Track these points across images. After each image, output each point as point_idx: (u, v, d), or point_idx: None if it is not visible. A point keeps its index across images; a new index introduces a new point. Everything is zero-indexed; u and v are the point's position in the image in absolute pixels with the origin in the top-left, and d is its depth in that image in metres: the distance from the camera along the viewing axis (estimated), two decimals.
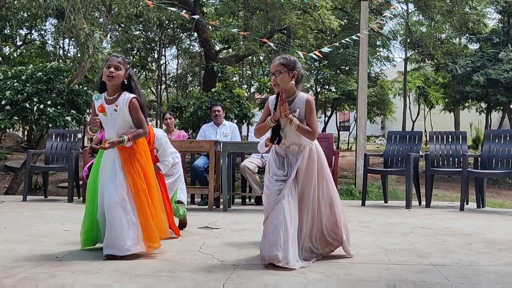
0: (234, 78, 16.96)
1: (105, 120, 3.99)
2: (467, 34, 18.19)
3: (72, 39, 14.82)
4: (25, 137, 19.37)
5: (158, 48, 21.03)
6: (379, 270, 3.45)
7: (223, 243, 4.42)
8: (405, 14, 18.88)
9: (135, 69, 20.37)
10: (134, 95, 3.97)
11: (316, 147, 3.83)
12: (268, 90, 19.55)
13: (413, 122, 24.96)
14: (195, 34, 18.09)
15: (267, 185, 3.76)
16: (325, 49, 9.90)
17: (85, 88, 10.88)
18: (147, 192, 3.93)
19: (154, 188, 4.05)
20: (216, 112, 8.17)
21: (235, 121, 12.03)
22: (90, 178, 4.10)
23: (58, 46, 19.12)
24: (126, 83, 3.99)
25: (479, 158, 7.66)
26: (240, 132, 11.50)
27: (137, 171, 3.91)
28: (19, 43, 18.93)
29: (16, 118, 10.12)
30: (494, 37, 17.47)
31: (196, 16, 9.68)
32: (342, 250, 4.00)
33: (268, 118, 3.76)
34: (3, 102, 10.07)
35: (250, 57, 17.58)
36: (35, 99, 10.00)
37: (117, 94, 3.97)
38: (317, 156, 3.80)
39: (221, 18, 15.82)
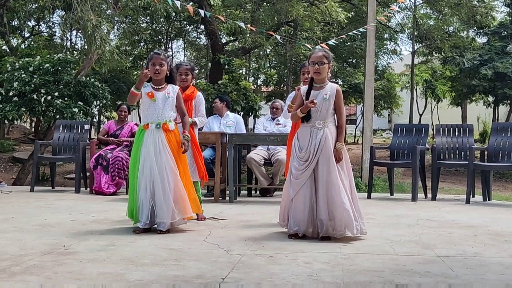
0: (241, 71, 16.93)
1: (151, 104, 4.55)
2: (475, 27, 18.12)
3: (80, 31, 14.86)
4: (33, 129, 19.48)
5: (165, 40, 21.03)
6: (384, 260, 3.46)
7: (228, 234, 4.44)
8: (413, 6, 18.81)
9: (141, 62, 20.38)
10: (179, 87, 4.76)
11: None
12: (275, 82, 19.54)
13: (420, 115, 24.89)
14: (202, 27, 18.08)
15: (295, 167, 4.31)
16: (332, 42, 9.88)
17: (92, 79, 10.91)
18: (184, 170, 4.62)
19: (188, 168, 4.75)
20: (213, 104, 8.29)
21: (242, 113, 12.04)
22: (133, 162, 4.57)
23: (65, 38, 19.17)
24: (168, 75, 4.65)
25: (486, 151, 7.65)
26: (246, 125, 11.50)
27: (178, 151, 4.56)
28: (27, 35, 18.99)
29: (24, 109, 10.18)
30: (502, 31, 17.39)
31: (202, 11, 9.67)
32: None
33: (298, 110, 4.31)
34: (10, 94, 10.12)
35: (256, 49, 17.55)
36: (43, 91, 10.04)
37: (164, 85, 4.63)
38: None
39: (228, 10, 15.79)
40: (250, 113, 12.49)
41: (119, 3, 11.07)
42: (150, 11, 16.37)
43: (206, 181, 5.58)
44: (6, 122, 13.67)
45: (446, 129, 8.01)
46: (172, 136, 4.57)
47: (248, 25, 11.36)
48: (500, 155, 7.37)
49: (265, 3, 13.96)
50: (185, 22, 20.10)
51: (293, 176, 4.30)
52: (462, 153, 7.76)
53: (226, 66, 12.67)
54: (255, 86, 21.46)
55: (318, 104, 4.27)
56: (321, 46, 9.12)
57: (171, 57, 4.86)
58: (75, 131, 8.76)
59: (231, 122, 8.11)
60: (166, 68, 4.60)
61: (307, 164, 4.23)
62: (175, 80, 4.77)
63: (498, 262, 3.46)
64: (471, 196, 7.25)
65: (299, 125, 4.45)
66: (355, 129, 26.05)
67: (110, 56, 9.64)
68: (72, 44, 19.66)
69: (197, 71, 6.15)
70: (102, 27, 9.43)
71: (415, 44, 19.38)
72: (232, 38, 18.58)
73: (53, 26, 19.53)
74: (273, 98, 16.08)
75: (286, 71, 17.96)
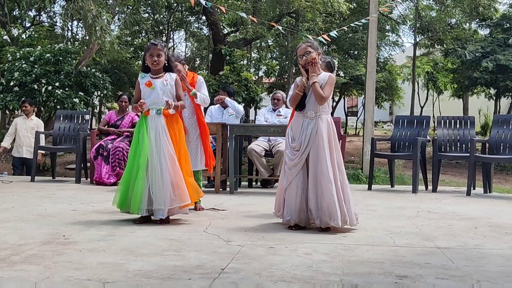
0: (242, 62, 16.89)
1: (150, 92, 4.54)
2: (477, 19, 18.03)
3: (80, 21, 14.82)
4: None
5: (166, 31, 20.95)
6: (384, 252, 3.46)
7: (229, 224, 4.44)
8: None
9: (142, 53, 20.33)
10: (176, 74, 4.75)
11: (330, 121, 4.34)
12: (276, 74, 19.52)
13: (422, 107, 24.85)
14: (204, 17, 18.02)
15: (288, 157, 4.32)
16: (334, 33, 9.82)
17: (93, 70, 10.89)
18: (184, 155, 4.58)
19: (188, 155, 4.71)
20: (216, 94, 8.36)
21: (243, 104, 12.02)
22: (134, 148, 4.49)
23: (66, 28, 19.12)
24: (166, 65, 4.62)
25: (487, 144, 7.63)
26: (248, 116, 11.50)
27: (178, 138, 4.54)
28: (28, 25, 18.93)
29: (25, 99, 10.16)
30: (504, 23, 17.30)
31: (203, 1, 9.61)
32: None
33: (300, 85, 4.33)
34: (11, 84, 10.11)
35: (258, 40, 17.50)
36: (43, 81, 10.03)
37: (162, 74, 4.61)
38: (331, 128, 4.29)
39: (230, 0, 15.73)
40: (251, 104, 12.50)
41: None
42: (151, 1, 16.32)
43: (210, 172, 5.62)
44: (7, 112, 13.66)
45: (447, 121, 7.98)
46: (173, 121, 4.53)
47: (250, 15, 11.32)
48: (501, 147, 7.35)
49: None
50: (187, 13, 20.04)
51: (286, 166, 4.31)
52: (463, 145, 7.74)
53: (228, 57, 12.65)
54: (257, 77, 21.41)
55: (310, 94, 4.27)
56: (322, 37, 9.09)
57: (168, 47, 4.81)
58: (75, 121, 8.74)
59: (232, 111, 8.11)
60: (164, 59, 4.57)
61: (299, 154, 4.23)
62: (173, 69, 4.73)
63: (498, 254, 3.46)
64: (471, 188, 7.23)
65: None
66: (356, 121, 26.01)
67: (111, 47, 9.62)
68: (73, 34, 19.62)
69: (184, 60, 6.07)
70: (102, 17, 9.40)
71: (417, 35, 19.31)
72: (234, 29, 18.52)
73: (54, 16, 19.50)
74: (275, 89, 16.03)
75: (287, 62, 17.91)
